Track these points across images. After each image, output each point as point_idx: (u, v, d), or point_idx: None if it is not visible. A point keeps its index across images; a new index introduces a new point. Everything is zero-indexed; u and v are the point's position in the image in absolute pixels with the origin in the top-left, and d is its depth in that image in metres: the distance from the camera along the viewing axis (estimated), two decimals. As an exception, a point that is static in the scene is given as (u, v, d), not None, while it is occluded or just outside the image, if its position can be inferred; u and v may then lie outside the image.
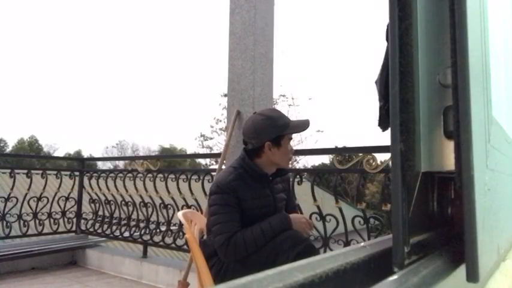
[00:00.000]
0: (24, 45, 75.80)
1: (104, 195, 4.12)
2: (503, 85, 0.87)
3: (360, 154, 2.45)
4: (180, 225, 3.31)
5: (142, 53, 79.32)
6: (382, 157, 2.48)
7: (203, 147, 18.38)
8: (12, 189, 3.86)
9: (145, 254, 3.70)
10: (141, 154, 38.97)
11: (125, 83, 79.03)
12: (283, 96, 16.24)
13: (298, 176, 2.67)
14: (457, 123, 0.47)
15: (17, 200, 3.96)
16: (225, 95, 5.84)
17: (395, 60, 0.49)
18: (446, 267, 0.49)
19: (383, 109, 0.92)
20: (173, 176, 3.44)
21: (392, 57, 0.49)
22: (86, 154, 41.75)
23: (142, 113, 75.24)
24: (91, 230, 4.23)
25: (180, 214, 2.00)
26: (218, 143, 17.10)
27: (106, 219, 4.10)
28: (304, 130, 1.81)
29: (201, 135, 18.47)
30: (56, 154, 43.01)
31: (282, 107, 15.84)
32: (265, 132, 1.73)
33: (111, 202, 4.06)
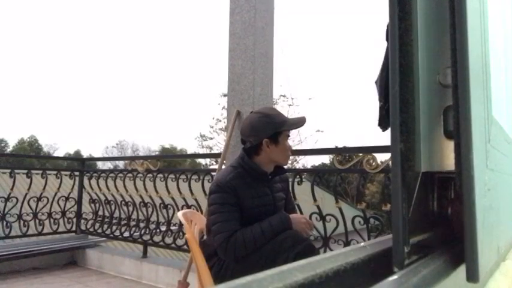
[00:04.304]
0: (24, 45, 75.85)
1: (104, 195, 4.12)
2: (503, 85, 0.87)
3: (360, 154, 2.45)
4: (180, 225, 3.30)
5: (143, 53, 79.38)
6: (382, 157, 2.48)
7: (202, 147, 18.41)
8: (12, 189, 3.86)
9: (145, 254, 3.70)
10: (141, 154, 39.01)
11: (125, 83, 79.09)
12: (283, 96, 16.28)
13: (298, 176, 2.67)
14: (457, 123, 0.47)
15: (17, 200, 3.96)
16: (225, 95, 5.85)
17: (395, 60, 0.49)
18: (446, 267, 0.49)
19: (383, 109, 0.92)
20: (173, 176, 3.44)
21: (392, 57, 0.49)
22: (85, 154, 41.80)
23: (142, 113, 75.33)
24: (91, 230, 4.23)
25: (180, 214, 2.00)
26: (218, 143, 17.13)
27: (106, 219, 4.10)
28: (300, 126, 1.83)
29: (201, 136, 18.50)
30: (56, 154, 43.07)
31: (282, 107, 15.87)
32: (262, 129, 1.74)
33: (111, 202, 4.06)
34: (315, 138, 18.36)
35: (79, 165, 4.77)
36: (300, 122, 1.82)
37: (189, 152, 24.15)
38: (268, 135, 1.74)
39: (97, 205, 4.24)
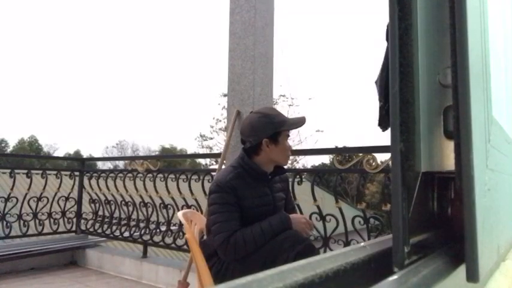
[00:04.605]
0: (24, 45, 75.86)
1: (104, 195, 4.12)
2: (503, 85, 0.87)
3: (360, 154, 2.45)
4: (180, 225, 3.30)
5: (143, 53, 79.39)
6: (382, 157, 2.48)
7: (202, 147, 18.43)
8: (12, 189, 3.86)
9: (145, 254, 3.70)
10: (141, 154, 39.04)
11: (125, 83, 79.10)
12: (283, 96, 16.29)
13: (298, 176, 2.67)
14: (457, 123, 0.47)
15: (17, 200, 3.96)
16: (225, 95, 5.85)
17: (395, 60, 0.49)
18: (446, 267, 0.49)
19: (383, 109, 0.92)
20: (173, 176, 3.44)
21: (392, 57, 0.49)
22: (85, 154, 41.83)
23: (142, 113, 75.35)
24: (91, 230, 4.23)
25: (180, 214, 2.00)
26: (218, 143, 17.14)
27: (106, 219, 4.10)
28: (300, 126, 1.83)
29: (201, 136, 18.52)
30: (56, 154, 43.08)
31: (282, 107, 15.88)
32: (262, 129, 1.75)
33: (111, 202, 4.06)
34: (315, 138, 18.40)
35: (79, 165, 4.77)
36: (299, 122, 1.82)
37: (189, 152, 24.17)
38: (267, 135, 1.74)
39: (97, 205, 4.24)
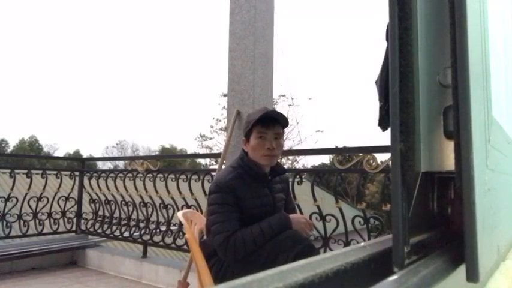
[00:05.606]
0: (24, 45, 75.85)
1: (104, 195, 4.12)
2: (503, 85, 0.87)
3: (360, 154, 2.45)
4: (180, 225, 3.30)
5: (143, 53, 79.38)
6: (382, 157, 2.48)
7: (202, 147, 18.45)
8: (12, 189, 3.86)
9: (145, 254, 3.70)
10: (141, 154, 39.05)
11: (125, 83, 79.10)
12: (283, 96, 16.28)
13: (298, 176, 2.67)
14: (457, 123, 0.47)
15: (17, 200, 3.96)
16: (225, 95, 5.85)
17: (395, 60, 0.49)
18: (446, 267, 0.49)
19: (383, 109, 0.92)
20: (173, 176, 3.44)
21: (392, 57, 0.49)
22: (85, 154, 41.83)
23: (142, 113, 75.33)
24: (91, 230, 4.23)
25: (180, 214, 2.00)
26: (218, 143, 17.15)
27: (106, 219, 4.10)
28: (259, 118, 1.68)
29: (201, 136, 18.53)
30: (56, 154, 43.06)
31: (282, 107, 15.88)
32: (243, 130, 1.82)
33: (111, 202, 4.06)
34: (315, 138, 18.41)
35: (79, 165, 4.77)
36: (260, 115, 1.68)
37: (189, 152, 24.16)
38: (244, 135, 1.79)
39: (97, 205, 4.24)
